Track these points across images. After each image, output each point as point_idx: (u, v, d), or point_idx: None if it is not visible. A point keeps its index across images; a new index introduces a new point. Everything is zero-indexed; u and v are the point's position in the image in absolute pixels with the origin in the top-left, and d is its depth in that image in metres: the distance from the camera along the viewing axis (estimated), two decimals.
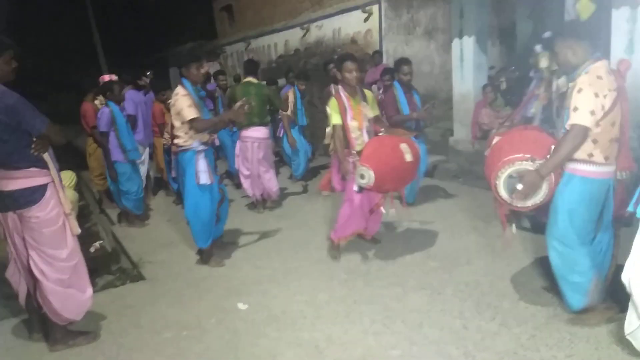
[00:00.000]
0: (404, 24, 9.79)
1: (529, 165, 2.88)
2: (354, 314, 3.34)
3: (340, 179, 4.18)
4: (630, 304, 2.50)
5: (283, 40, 12.94)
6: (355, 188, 3.97)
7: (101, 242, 5.08)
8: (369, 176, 3.72)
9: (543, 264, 3.85)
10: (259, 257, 4.51)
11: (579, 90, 2.70)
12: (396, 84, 5.36)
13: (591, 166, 2.79)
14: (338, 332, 3.13)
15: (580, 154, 2.79)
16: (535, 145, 2.99)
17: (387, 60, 9.28)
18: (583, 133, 2.69)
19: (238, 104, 4.21)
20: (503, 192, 2.98)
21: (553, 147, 2.86)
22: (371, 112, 4.14)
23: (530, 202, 2.93)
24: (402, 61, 5.33)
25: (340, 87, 4.13)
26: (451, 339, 2.94)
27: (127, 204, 5.70)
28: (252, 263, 4.39)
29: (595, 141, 2.77)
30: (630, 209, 2.37)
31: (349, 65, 3.99)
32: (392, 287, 3.65)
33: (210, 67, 13.09)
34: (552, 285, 3.39)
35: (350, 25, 10.44)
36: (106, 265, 4.52)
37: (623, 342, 2.76)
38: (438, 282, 3.70)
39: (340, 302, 3.52)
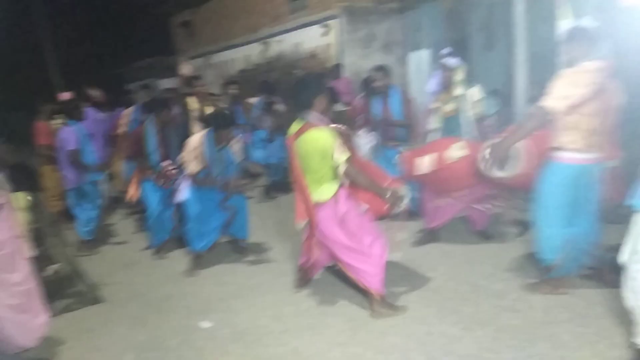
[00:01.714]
0: (362, 38, 9.97)
1: None
2: (319, 325, 3.33)
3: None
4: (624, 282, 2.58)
5: (243, 55, 12.96)
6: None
7: (57, 265, 4.89)
8: (408, 193, 3.45)
9: (503, 267, 3.96)
10: (223, 273, 4.44)
11: (557, 79, 3.02)
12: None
13: (571, 153, 3.11)
14: (304, 345, 3.12)
15: (561, 141, 3.12)
16: None
17: (347, 73, 9.41)
18: (545, 113, 2.99)
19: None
20: (483, 162, 3.44)
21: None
22: None
23: (502, 174, 3.42)
24: (374, 68, 5.34)
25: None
26: (416, 345, 2.98)
27: (80, 227, 5.42)
28: (216, 279, 4.32)
29: (574, 129, 3.06)
30: (629, 202, 2.46)
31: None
32: (357, 297, 3.65)
33: (169, 83, 12.95)
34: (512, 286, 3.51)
35: (309, 39, 10.55)
36: (63, 288, 4.34)
37: (580, 340, 2.87)
38: (402, 289, 3.73)
39: (306, 314, 3.51)
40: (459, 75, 4.25)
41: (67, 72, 16.93)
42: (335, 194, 3.35)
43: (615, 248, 2.65)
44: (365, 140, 6.20)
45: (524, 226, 4.46)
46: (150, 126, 4.83)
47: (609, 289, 3.24)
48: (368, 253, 3.33)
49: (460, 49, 10.59)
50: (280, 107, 7.18)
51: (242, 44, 12.92)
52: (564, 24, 5.47)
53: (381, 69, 5.25)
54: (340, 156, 3.23)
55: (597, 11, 5.22)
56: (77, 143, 5.10)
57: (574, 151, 3.12)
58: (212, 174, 4.35)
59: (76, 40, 20.57)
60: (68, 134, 5.13)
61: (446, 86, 4.35)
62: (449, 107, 4.34)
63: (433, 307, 3.43)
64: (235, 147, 4.62)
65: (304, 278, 3.90)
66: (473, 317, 3.25)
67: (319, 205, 3.37)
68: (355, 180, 3.34)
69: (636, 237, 2.46)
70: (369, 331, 3.20)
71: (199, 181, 4.34)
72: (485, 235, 4.63)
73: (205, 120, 4.74)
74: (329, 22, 9.92)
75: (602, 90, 3.03)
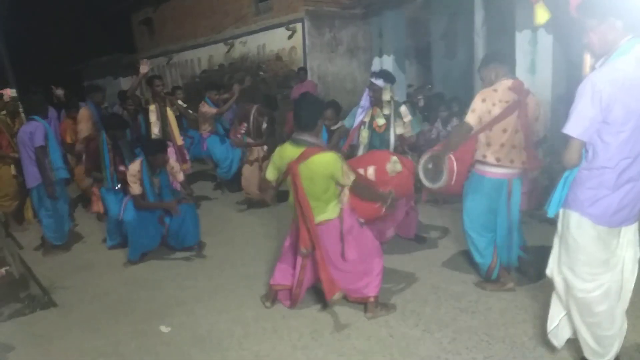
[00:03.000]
0: (326, 42, 10.04)
1: (437, 154, 3.61)
2: (282, 329, 3.31)
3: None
4: (552, 300, 2.65)
5: (207, 55, 12.81)
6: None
7: (7, 267, 4.65)
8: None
9: (461, 270, 4.05)
10: (184, 277, 4.35)
11: (473, 98, 3.33)
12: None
13: (484, 166, 3.40)
14: (266, 349, 3.09)
15: (477, 154, 3.40)
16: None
17: (312, 77, 9.46)
18: (464, 128, 3.30)
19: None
20: (421, 175, 3.72)
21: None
22: None
23: (436, 185, 3.60)
24: (327, 105, 5.26)
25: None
26: (378, 348, 3.00)
27: (47, 232, 5.16)
28: (176, 283, 4.23)
29: (488, 144, 3.34)
30: (545, 208, 2.55)
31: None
32: (320, 300, 3.65)
33: (128, 82, 12.67)
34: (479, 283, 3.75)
35: (274, 42, 10.54)
36: (13, 292, 4.15)
37: (535, 340, 2.96)
38: None
39: (268, 318, 3.48)
40: (386, 96, 4.38)
41: (22, 68, 16.24)
42: (340, 212, 3.31)
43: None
44: None
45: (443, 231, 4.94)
46: (104, 142, 5.13)
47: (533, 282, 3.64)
48: (370, 269, 3.37)
49: (423, 57, 10.85)
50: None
51: (205, 44, 12.76)
52: (521, 35, 5.67)
53: (333, 105, 5.27)
54: (349, 179, 3.21)
55: (551, 22, 5.43)
56: (43, 139, 4.91)
57: (489, 165, 3.38)
58: (149, 198, 4.66)
59: (32, 35, 19.78)
60: (36, 129, 4.88)
61: (374, 103, 4.48)
62: (380, 122, 4.47)
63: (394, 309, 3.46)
64: (175, 167, 4.86)
65: (273, 298, 3.66)
66: (433, 318, 3.31)
67: (325, 223, 3.28)
68: (361, 195, 3.38)
69: (559, 247, 2.52)
70: (332, 334, 3.20)
71: (140, 204, 4.60)
72: (419, 240, 4.74)
73: (141, 145, 5.01)
74: (294, 25, 9.94)
75: (514, 106, 3.25)
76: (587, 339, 2.49)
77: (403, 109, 4.47)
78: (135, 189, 4.56)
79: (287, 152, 3.25)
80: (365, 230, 3.45)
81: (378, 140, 4.50)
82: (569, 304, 2.53)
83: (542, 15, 4.53)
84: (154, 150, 4.61)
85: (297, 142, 3.22)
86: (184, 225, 4.75)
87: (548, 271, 2.61)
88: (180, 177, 4.91)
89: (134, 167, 4.60)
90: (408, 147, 4.65)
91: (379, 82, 4.37)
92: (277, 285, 3.60)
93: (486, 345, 2.96)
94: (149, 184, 4.64)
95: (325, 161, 3.15)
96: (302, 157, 3.15)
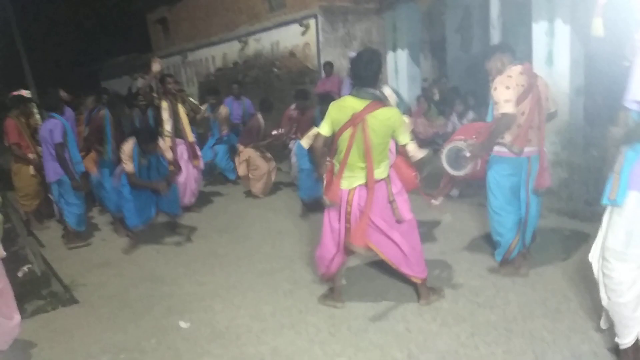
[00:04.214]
0: (340, 37, 10.01)
1: (461, 144, 3.85)
2: (299, 324, 3.33)
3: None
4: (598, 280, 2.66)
5: (221, 53, 12.87)
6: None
7: (30, 265, 4.77)
8: None
9: (479, 264, 4.02)
10: (201, 273, 4.40)
11: (495, 89, 3.40)
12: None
13: (504, 147, 3.52)
14: (284, 343, 3.11)
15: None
16: (473, 131, 3.92)
17: (323, 74, 9.43)
18: (509, 118, 3.35)
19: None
20: (444, 162, 3.95)
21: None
22: None
23: (462, 172, 3.87)
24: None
25: None
26: (395, 342, 3.00)
27: (69, 219, 5.43)
28: (194, 279, 4.27)
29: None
30: (606, 200, 2.51)
31: None
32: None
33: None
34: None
35: (288, 38, 10.54)
36: (36, 289, 4.24)
37: (554, 335, 2.93)
38: (381, 287, 3.76)
39: (286, 313, 3.50)
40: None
41: (40, 69, 16.49)
42: (389, 173, 3.32)
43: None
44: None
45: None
46: (107, 118, 5.43)
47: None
48: (416, 243, 3.40)
49: (438, 50, 10.75)
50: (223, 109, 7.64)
51: (220, 42, 12.82)
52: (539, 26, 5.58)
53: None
54: (408, 135, 3.26)
55: (572, 13, 5.34)
56: (62, 136, 5.13)
57: (505, 146, 3.48)
58: (141, 177, 5.00)
59: (50, 36, 20.07)
60: (55, 126, 5.11)
61: None
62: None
63: (411, 304, 3.45)
64: (164, 147, 5.20)
65: (332, 280, 3.55)
66: (450, 313, 3.29)
67: (378, 182, 3.23)
68: (415, 158, 3.37)
69: (606, 234, 2.54)
70: (349, 329, 3.21)
71: (133, 181, 4.93)
72: None
73: (133, 133, 5.20)
74: (307, 21, 9.93)
75: (529, 89, 3.40)
76: (614, 319, 2.56)
77: (388, 90, 4.30)
78: (130, 167, 4.87)
79: (349, 103, 3.17)
80: (408, 204, 3.43)
81: None
82: (601, 286, 2.59)
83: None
84: (147, 141, 4.92)
85: (360, 95, 3.16)
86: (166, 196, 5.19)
87: (590, 257, 2.66)
88: (169, 156, 5.24)
89: (128, 148, 4.88)
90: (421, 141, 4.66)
91: None
92: (330, 267, 3.43)
93: (505, 339, 2.94)
94: (137, 164, 4.94)
95: (391, 114, 3.16)
96: (368, 109, 3.10)
